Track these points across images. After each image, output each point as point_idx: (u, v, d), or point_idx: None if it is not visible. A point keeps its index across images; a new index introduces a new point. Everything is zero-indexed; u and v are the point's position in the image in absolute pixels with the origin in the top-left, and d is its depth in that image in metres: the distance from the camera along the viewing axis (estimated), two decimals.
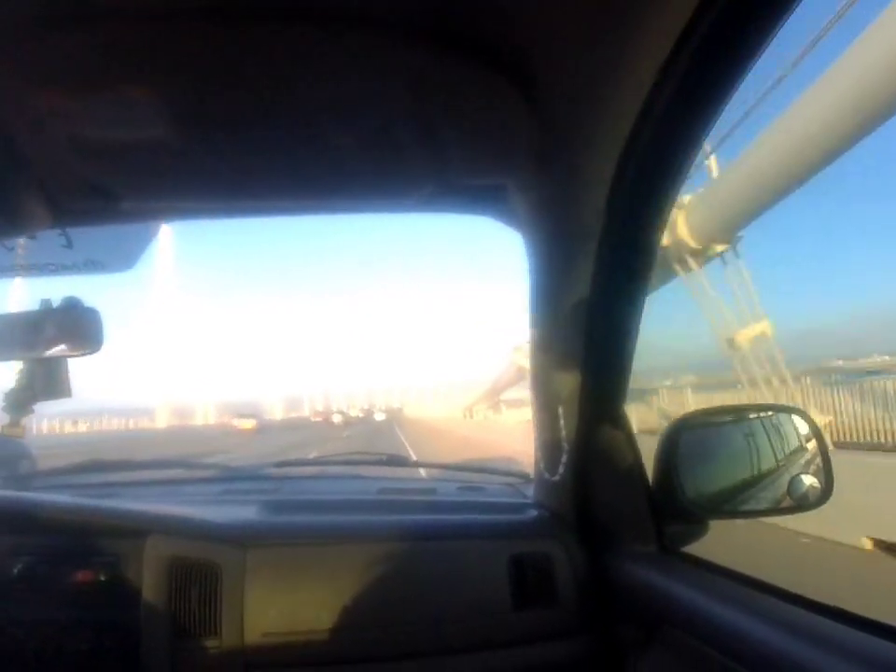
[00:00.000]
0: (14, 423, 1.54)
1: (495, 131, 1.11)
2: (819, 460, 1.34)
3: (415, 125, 1.08)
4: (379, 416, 60.84)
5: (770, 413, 1.52)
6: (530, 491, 1.82)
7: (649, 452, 1.43)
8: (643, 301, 1.31)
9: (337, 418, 50.82)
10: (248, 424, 45.01)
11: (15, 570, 1.47)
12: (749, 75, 0.89)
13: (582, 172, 1.17)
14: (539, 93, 1.00)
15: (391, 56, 0.94)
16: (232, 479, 2.29)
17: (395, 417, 47.69)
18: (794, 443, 1.41)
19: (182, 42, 0.90)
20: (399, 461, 2.32)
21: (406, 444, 19.22)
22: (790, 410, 1.47)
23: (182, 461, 2.57)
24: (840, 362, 13.01)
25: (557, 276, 1.40)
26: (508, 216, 1.44)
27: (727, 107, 0.95)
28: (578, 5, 0.84)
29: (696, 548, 1.42)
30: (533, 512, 1.68)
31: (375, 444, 19.11)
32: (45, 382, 1.49)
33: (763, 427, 1.45)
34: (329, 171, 1.23)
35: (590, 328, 1.34)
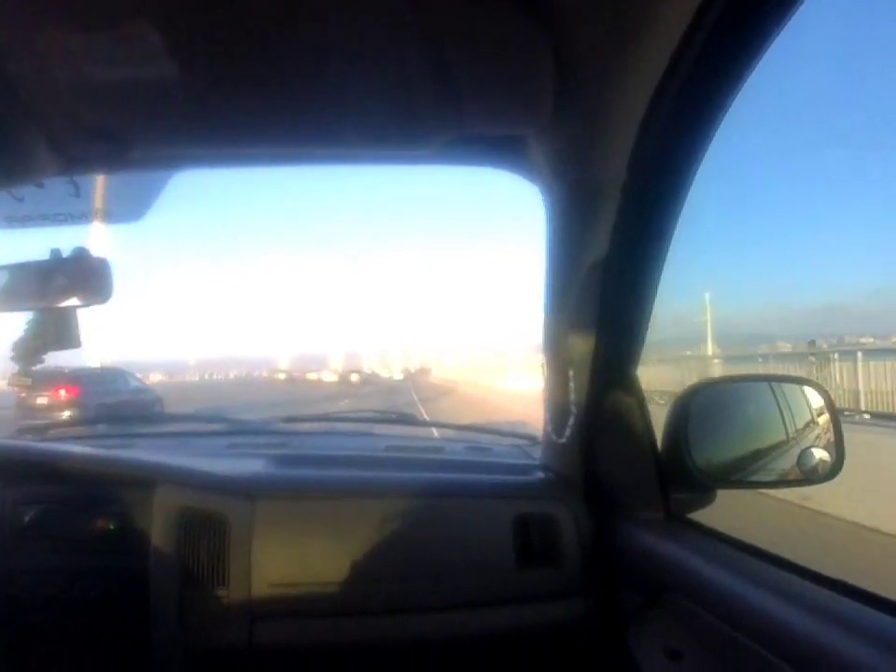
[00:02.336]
0: (24, 372, 1.55)
1: (516, 75, 1.06)
2: (830, 434, 1.32)
3: (432, 67, 1.03)
4: (397, 377, 61.65)
5: (783, 383, 1.51)
6: (537, 453, 1.83)
7: (658, 418, 1.43)
8: (663, 263, 1.28)
9: (355, 377, 51.25)
10: (283, 376, 54.67)
11: (26, 519, 1.51)
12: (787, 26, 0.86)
13: (606, 122, 1.13)
14: (563, 35, 0.95)
15: None
16: (241, 433, 2.32)
17: (414, 380, 47.50)
18: (806, 415, 1.40)
19: None
20: (407, 419, 2.35)
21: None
22: (803, 381, 1.46)
23: (192, 415, 2.59)
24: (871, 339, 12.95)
25: (575, 233, 1.37)
26: (526, 168, 1.40)
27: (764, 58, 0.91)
28: None
29: (702, 515, 1.43)
30: (539, 474, 1.69)
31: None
32: (55, 332, 1.50)
33: (776, 397, 1.44)
34: (341, 117, 1.20)
35: (606, 288, 1.32)
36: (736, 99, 1.00)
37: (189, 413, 2.83)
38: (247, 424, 2.44)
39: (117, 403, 13.21)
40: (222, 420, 2.40)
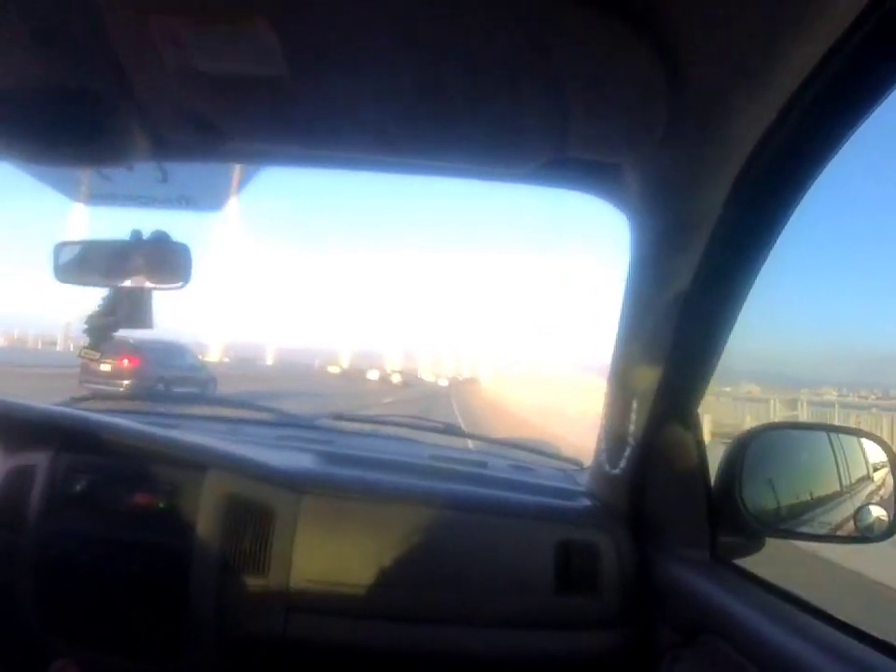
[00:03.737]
0: (93, 346, 1.60)
1: (627, 101, 1.03)
2: (890, 491, 1.28)
3: (544, 85, 1.01)
4: (442, 383, 61.86)
5: (844, 434, 1.47)
6: (582, 479, 1.83)
7: (714, 459, 1.41)
8: (741, 304, 1.26)
9: (396, 378, 51.63)
10: (336, 370, 55.96)
11: (77, 487, 1.55)
12: None
13: (709, 159, 1.11)
14: (680, 64, 0.93)
15: (523, 4, 0.88)
16: (290, 425, 2.35)
17: (458, 390, 47.44)
18: (863, 469, 1.35)
19: None
20: (453, 430, 2.35)
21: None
22: (865, 435, 1.41)
23: (243, 401, 2.63)
24: None
25: (657, 266, 1.36)
26: (617, 196, 1.39)
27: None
28: None
29: (749, 562, 1.40)
30: (585, 501, 1.68)
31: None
32: (128, 311, 1.54)
33: (834, 448, 1.40)
34: (442, 128, 1.19)
35: (682, 323, 1.30)
36: (845, 146, 0.98)
37: (240, 400, 2.85)
38: (296, 417, 2.47)
39: (174, 377, 13.93)
40: (272, 410, 2.44)
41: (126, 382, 13.02)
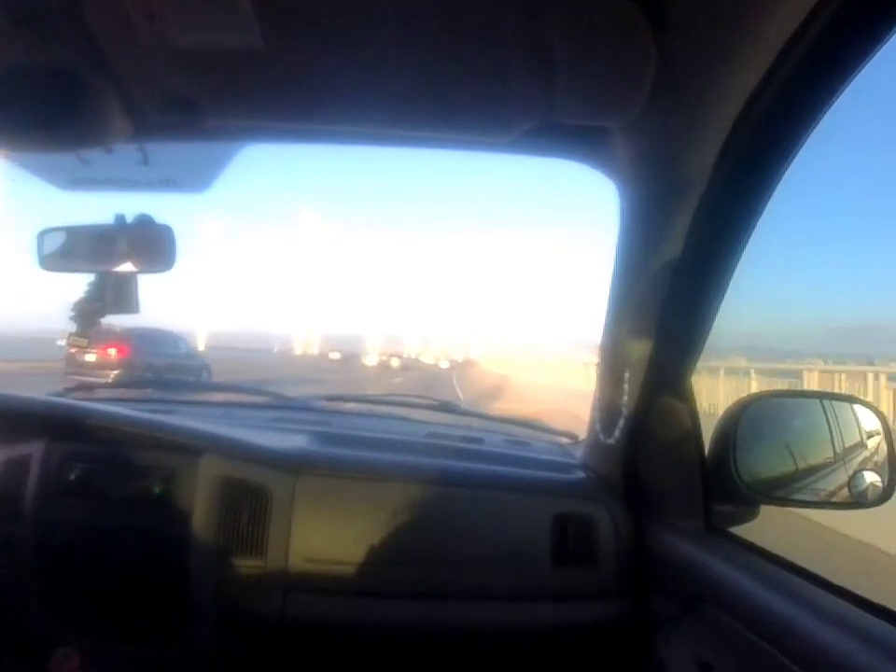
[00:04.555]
0: (81, 333, 1.60)
1: (614, 64, 1.02)
2: (884, 457, 1.29)
3: (525, 47, 0.99)
4: (443, 364, 62.44)
5: (837, 401, 1.47)
6: (577, 453, 1.84)
7: (707, 428, 1.42)
8: (732, 272, 1.26)
9: (395, 362, 51.75)
10: (336, 356, 55.19)
11: (71, 476, 1.55)
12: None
13: (698, 121, 1.10)
14: (667, 27, 0.92)
15: None
16: (284, 407, 2.35)
17: (459, 372, 47.09)
18: (858, 437, 1.36)
19: None
20: (448, 407, 2.35)
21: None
22: (858, 402, 1.42)
23: (236, 386, 2.63)
24: None
25: (648, 233, 1.36)
26: (605, 163, 1.38)
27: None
28: None
29: (743, 529, 1.41)
30: (580, 474, 1.70)
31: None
32: (114, 296, 1.54)
33: (827, 415, 1.41)
34: (428, 99, 1.17)
35: (672, 292, 1.31)
36: (831, 110, 0.98)
37: (233, 384, 2.86)
38: (291, 399, 2.48)
39: (165, 366, 13.30)
40: (266, 394, 2.44)
41: (114, 372, 12.41)
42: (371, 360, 51.81)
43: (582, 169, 1.41)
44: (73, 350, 12.90)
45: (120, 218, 1.49)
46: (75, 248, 1.54)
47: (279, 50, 1.02)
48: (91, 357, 13.06)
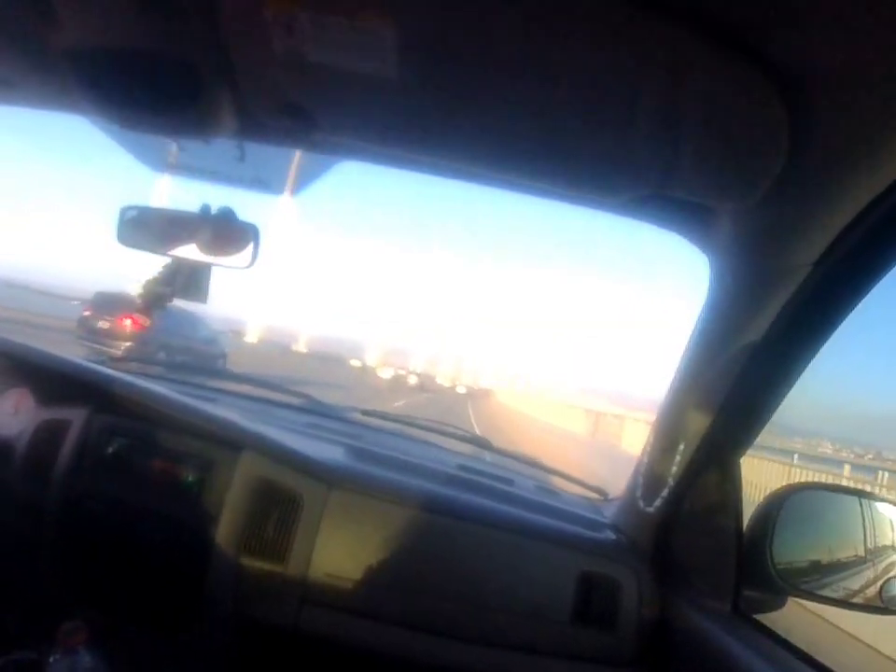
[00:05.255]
0: (144, 311, 1.62)
1: (743, 148, 0.99)
2: None
3: (656, 116, 0.97)
4: (460, 389, 62.80)
5: (876, 502, 1.47)
6: (606, 510, 1.84)
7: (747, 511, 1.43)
8: (805, 366, 1.26)
9: (413, 379, 51.79)
10: (358, 363, 57.63)
11: (109, 449, 1.58)
12: None
13: (811, 215, 1.07)
14: (802, 115, 0.89)
15: (644, 31, 0.85)
16: (320, 413, 2.37)
17: (475, 400, 46.49)
18: (892, 540, 1.38)
19: None
20: (483, 443, 2.35)
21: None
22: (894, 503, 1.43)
23: (278, 384, 2.64)
24: None
25: (733, 314, 1.34)
26: (705, 239, 1.35)
27: None
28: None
29: (771, 618, 1.41)
30: (609, 534, 1.69)
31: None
32: (185, 282, 1.56)
33: (864, 515, 1.42)
34: (547, 150, 1.15)
35: (745, 375, 1.30)
36: None
37: (272, 381, 2.86)
38: (327, 406, 2.51)
39: (181, 348, 12.56)
40: (303, 396, 2.46)
41: (125, 344, 11.69)
42: (386, 373, 51.74)
43: (678, 238, 1.39)
44: (86, 313, 12.80)
45: (206, 208, 1.51)
46: (155, 228, 1.57)
47: (404, 81, 1.03)
48: (104, 325, 12.54)
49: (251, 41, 1.02)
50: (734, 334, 1.32)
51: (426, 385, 52.02)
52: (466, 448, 2.36)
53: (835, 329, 1.19)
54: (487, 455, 2.47)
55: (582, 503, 2.02)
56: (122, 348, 11.42)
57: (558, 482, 2.23)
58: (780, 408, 1.33)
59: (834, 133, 0.92)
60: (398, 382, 47.44)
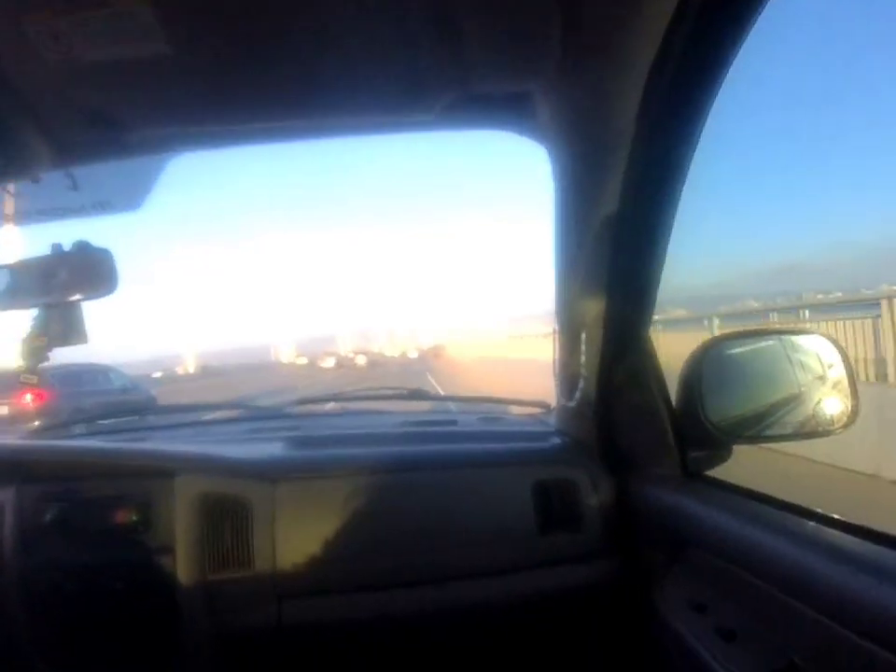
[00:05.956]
0: (30, 370, 1.55)
1: (520, 28, 1.03)
2: (844, 384, 1.36)
3: (434, 23, 1.00)
4: (412, 355, 63.66)
5: (794, 336, 1.55)
6: (550, 419, 1.88)
7: (672, 378, 1.47)
8: (672, 222, 1.29)
9: (361, 359, 51.05)
10: (302, 360, 56.11)
11: (48, 516, 1.51)
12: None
13: (614, 76, 1.11)
14: None
15: None
16: (256, 418, 2.35)
17: (427, 360, 45.89)
18: (818, 368, 1.44)
19: None
20: (419, 395, 2.37)
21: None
22: (814, 334, 1.48)
23: (205, 403, 2.60)
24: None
25: (583, 194, 1.38)
26: (531, 129, 1.39)
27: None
28: None
29: (720, 472, 1.46)
30: (556, 440, 1.74)
31: None
32: (60, 328, 1.50)
33: (787, 351, 1.49)
34: (342, 85, 1.17)
35: (616, 249, 1.33)
36: (740, 56, 1.00)
37: (202, 403, 2.82)
38: (261, 409, 2.49)
39: (98, 404, 11.06)
40: (236, 407, 2.43)
41: (34, 424, 10.65)
42: (328, 363, 50.50)
43: (512, 138, 1.42)
44: None
45: (57, 247, 1.45)
46: (14, 284, 1.49)
47: (186, 54, 1.02)
48: (3, 410, 11.38)
49: (26, 60, 0.99)
50: (591, 212, 1.34)
51: (376, 361, 51.35)
52: (410, 405, 2.38)
53: (681, 183, 1.22)
54: (427, 405, 2.48)
55: (527, 420, 2.07)
56: (34, 428, 10.20)
57: (502, 407, 2.26)
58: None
59: (604, 13, 0.98)
60: (344, 366, 46.68)
